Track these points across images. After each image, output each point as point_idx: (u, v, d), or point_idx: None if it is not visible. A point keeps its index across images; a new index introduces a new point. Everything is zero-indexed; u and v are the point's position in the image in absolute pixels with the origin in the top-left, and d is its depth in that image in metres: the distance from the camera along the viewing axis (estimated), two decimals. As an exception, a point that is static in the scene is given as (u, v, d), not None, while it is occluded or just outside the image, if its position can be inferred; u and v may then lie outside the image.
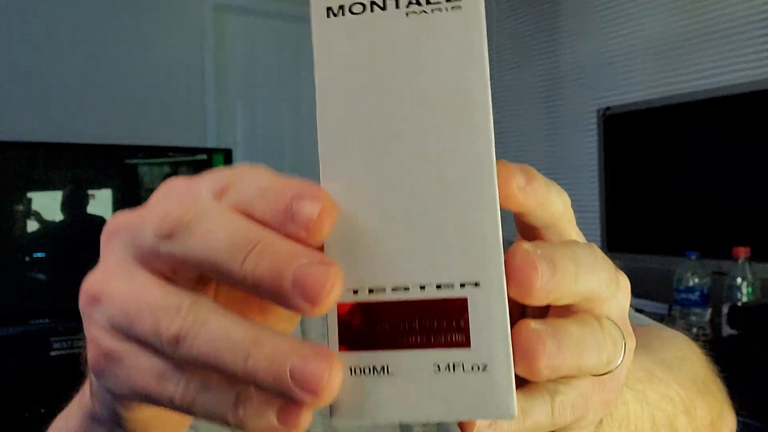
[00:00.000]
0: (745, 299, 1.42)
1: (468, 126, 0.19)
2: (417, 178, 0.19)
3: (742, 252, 1.42)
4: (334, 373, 0.18)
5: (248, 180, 0.21)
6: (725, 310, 1.39)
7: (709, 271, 1.49)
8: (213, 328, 0.19)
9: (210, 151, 2.18)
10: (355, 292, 0.20)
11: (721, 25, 1.68)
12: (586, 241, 0.23)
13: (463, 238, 0.19)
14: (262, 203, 0.20)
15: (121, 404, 0.23)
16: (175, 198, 0.21)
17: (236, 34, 2.48)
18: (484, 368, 0.19)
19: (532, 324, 0.20)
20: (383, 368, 0.19)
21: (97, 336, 0.22)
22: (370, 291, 0.20)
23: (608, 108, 1.83)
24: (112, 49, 2.14)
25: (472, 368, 0.19)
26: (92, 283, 0.22)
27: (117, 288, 0.21)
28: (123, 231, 0.22)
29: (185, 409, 0.20)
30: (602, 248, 1.83)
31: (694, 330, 1.47)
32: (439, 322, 0.19)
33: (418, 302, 0.19)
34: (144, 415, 0.24)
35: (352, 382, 0.19)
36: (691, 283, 1.48)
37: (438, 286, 0.19)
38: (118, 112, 2.13)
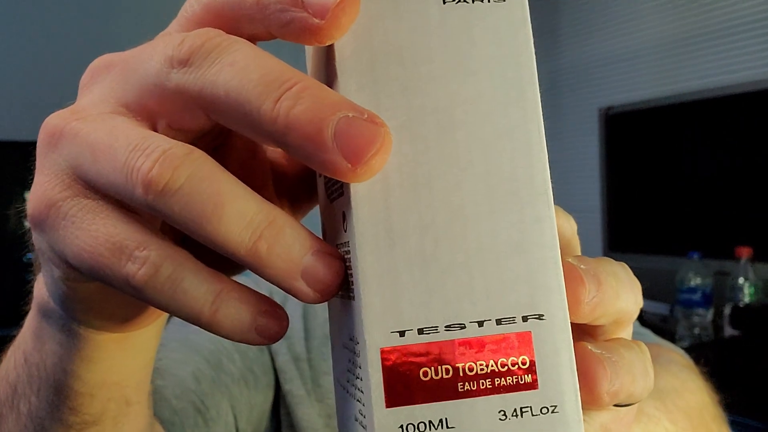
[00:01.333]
0: (747, 300, 1.41)
1: (520, 142, 0.17)
2: (464, 198, 0.17)
3: (745, 252, 1.42)
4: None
5: None
6: (727, 310, 1.38)
7: (712, 272, 1.49)
8: (214, 184, 0.16)
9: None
10: (402, 334, 0.16)
11: (724, 24, 1.67)
12: None
13: (522, 265, 0.17)
14: None
15: (62, 271, 0.19)
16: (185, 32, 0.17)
17: (236, 33, 2.48)
18: (554, 409, 0.17)
19: (590, 347, 0.18)
20: (441, 422, 0.16)
21: (45, 181, 0.18)
22: (420, 332, 0.16)
23: (610, 107, 1.82)
24: (110, 48, 2.14)
25: (542, 411, 0.17)
26: (55, 118, 0.18)
27: (85, 124, 0.17)
28: (116, 67, 0.19)
29: (145, 295, 0.16)
30: (603, 248, 1.82)
31: (696, 331, 1.46)
32: (502, 363, 0.17)
33: (478, 341, 0.17)
34: (92, 289, 0.20)
35: None
36: (693, 284, 1.47)
37: (498, 322, 0.17)
38: (117, 112, 2.13)
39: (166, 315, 0.25)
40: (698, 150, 1.60)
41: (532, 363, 0.17)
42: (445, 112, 0.17)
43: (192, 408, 0.49)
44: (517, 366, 0.17)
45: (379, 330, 0.16)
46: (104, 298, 0.20)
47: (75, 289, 0.20)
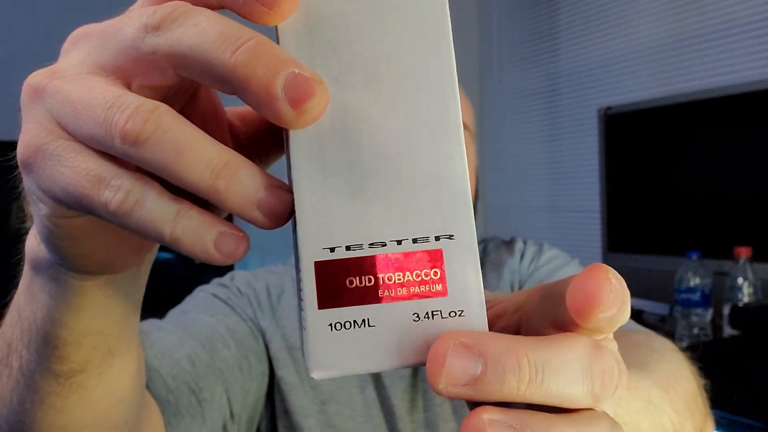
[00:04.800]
0: (746, 300, 1.41)
1: (437, 91, 0.20)
2: (387, 139, 0.20)
3: (744, 252, 1.42)
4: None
5: None
6: (726, 310, 1.38)
7: (711, 272, 1.49)
8: (176, 133, 0.18)
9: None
10: (332, 250, 0.20)
11: (721, 25, 1.68)
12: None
13: (436, 193, 0.20)
14: None
15: (50, 207, 0.21)
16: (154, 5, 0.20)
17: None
18: (461, 313, 0.20)
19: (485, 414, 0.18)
20: (364, 321, 0.20)
21: (31, 128, 0.21)
22: (348, 248, 0.20)
23: (609, 107, 1.82)
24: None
25: (450, 314, 0.20)
26: (37, 76, 0.21)
27: (66, 83, 0.20)
28: (94, 35, 0.21)
29: (119, 218, 0.19)
30: (603, 248, 1.83)
31: (695, 331, 1.46)
32: (417, 274, 0.20)
33: (396, 256, 0.20)
34: (77, 224, 0.22)
35: (333, 336, 0.20)
36: (692, 284, 1.47)
37: (414, 241, 0.20)
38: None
39: (144, 263, 0.28)
40: (697, 150, 1.60)
41: (443, 274, 0.20)
42: (372, 68, 0.20)
43: (187, 388, 0.50)
44: (429, 277, 0.20)
45: (313, 246, 0.20)
46: (87, 233, 0.23)
47: (61, 225, 0.22)
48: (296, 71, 0.18)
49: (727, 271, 1.46)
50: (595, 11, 2.02)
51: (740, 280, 1.42)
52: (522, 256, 0.74)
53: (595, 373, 0.19)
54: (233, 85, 0.18)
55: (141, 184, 0.19)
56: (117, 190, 0.19)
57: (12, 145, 0.22)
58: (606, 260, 1.75)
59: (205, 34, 0.18)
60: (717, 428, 0.99)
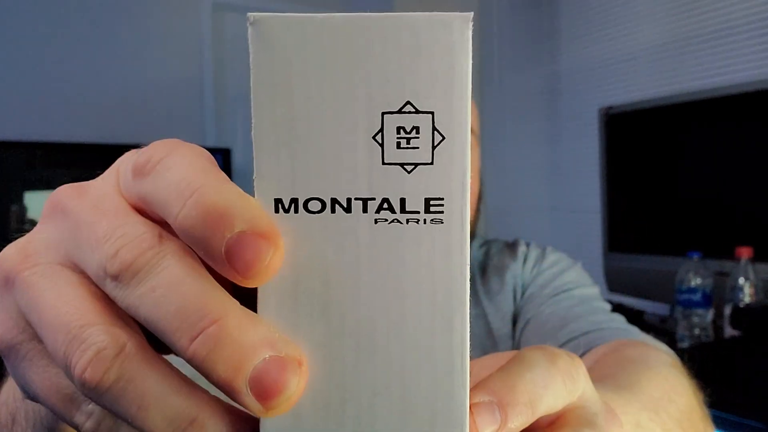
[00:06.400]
0: (747, 300, 1.41)
1: (442, 370, 0.17)
2: (376, 424, 0.17)
3: (745, 252, 1.41)
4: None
5: (174, 180, 0.18)
6: (728, 311, 1.38)
7: (712, 272, 1.48)
8: (140, 386, 0.17)
9: (209, 151, 2.17)
10: None
11: (722, 25, 1.67)
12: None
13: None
14: (191, 221, 0.17)
15: (26, 395, 0.21)
16: (124, 226, 0.18)
17: (235, 33, 2.48)
18: None
19: None
20: None
21: (4, 321, 0.20)
22: None
23: (610, 107, 1.82)
24: (110, 48, 2.14)
25: None
26: (9, 257, 0.20)
27: (35, 278, 0.19)
28: (70, 218, 0.20)
29: None
30: (603, 248, 1.82)
31: (696, 331, 1.46)
32: None
33: None
34: None
35: None
36: (693, 284, 1.47)
37: None
38: (115, 112, 2.13)
39: None
40: (698, 150, 1.60)
41: None
42: (366, 335, 0.17)
43: None
44: None
45: None
46: None
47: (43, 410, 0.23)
48: (267, 356, 0.16)
49: (728, 272, 1.45)
50: (596, 11, 2.02)
51: (741, 281, 1.41)
52: (525, 260, 0.74)
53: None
54: (191, 365, 0.17)
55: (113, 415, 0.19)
56: (88, 416, 0.19)
57: (11, 145, 0.21)
58: (607, 260, 1.74)
59: (161, 307, 0.17)
60: (717, 429, 0.99)
